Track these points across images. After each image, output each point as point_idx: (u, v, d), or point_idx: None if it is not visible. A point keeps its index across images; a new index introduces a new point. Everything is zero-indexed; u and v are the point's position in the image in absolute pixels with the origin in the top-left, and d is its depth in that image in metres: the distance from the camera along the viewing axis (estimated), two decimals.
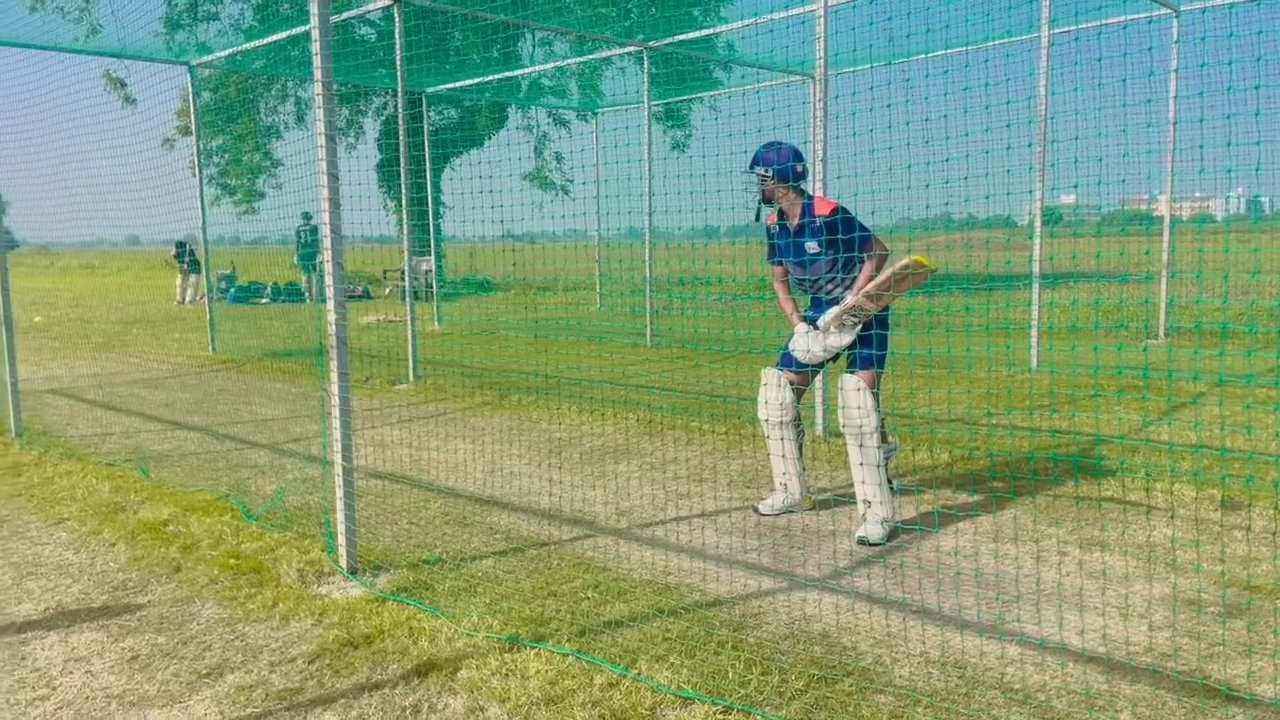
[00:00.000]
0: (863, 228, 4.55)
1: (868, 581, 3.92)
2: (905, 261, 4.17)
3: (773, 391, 4.74)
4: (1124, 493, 5.05)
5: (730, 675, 3.02)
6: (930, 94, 4.01)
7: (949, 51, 10.29)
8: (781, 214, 4.79)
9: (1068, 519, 4.66)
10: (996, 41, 10.16)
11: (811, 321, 4.76)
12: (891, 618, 3.52)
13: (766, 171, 4.65)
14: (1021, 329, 9.69)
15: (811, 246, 4.65)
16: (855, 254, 4.57)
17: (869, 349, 4.56)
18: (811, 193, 4.87)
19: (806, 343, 4.70)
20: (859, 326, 4.57)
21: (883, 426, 4.66)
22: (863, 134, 4.20)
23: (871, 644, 3.30)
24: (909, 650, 3.24)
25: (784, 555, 4.27)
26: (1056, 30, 8.88)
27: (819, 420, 6.55)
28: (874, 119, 4.11)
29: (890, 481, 4.69)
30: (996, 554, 4.18)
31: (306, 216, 19.56)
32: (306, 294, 21.00)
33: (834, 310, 4.57)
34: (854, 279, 4.66)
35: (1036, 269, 8.89)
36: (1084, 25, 9.60)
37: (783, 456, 4.79)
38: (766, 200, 4.74)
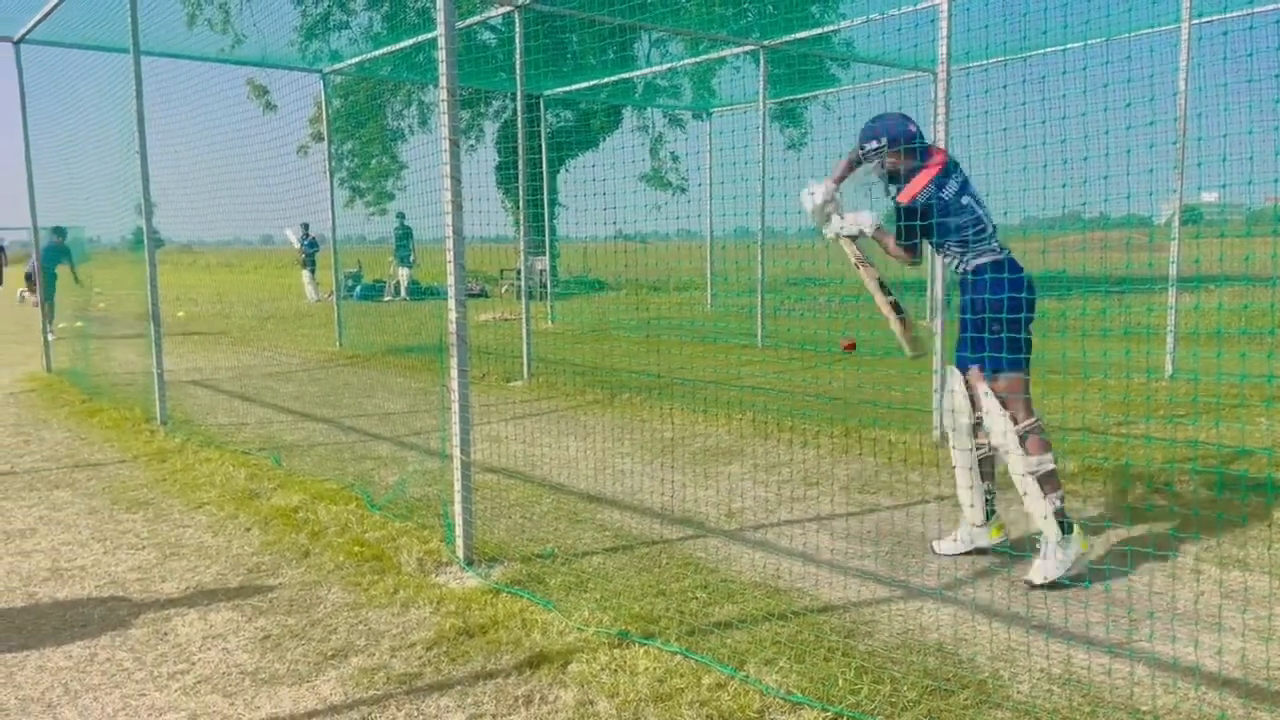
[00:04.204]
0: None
1: (989, 594, 3.80)
2: (878, 298, 4.23)
3: (956, 385, 4.09)
4: (1268, 509, 4.75)
5: (840, 682, 2.98)
6: (1068, 90, 3.84)
7: (1089, 43, 9.83)
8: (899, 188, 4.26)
9: (1205, 535, 4.40)
10: (1130, 34, 9.66)
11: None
12: (1013, 631, 3.40)
13: (881, 143, 4.18)
14: (1157, 334, 9.20)
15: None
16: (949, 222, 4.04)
17: (1002, 350, 3.88)
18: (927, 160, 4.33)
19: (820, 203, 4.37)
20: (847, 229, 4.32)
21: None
22: (995, 132, 4.03)
23: (990, 657, 3.20)
24: (1030, 666, 3.13)
25: (899, 563, 4.18)
26: (1199, 21, 8.40)
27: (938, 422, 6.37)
28: (1007, 117, 3.93)
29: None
30: (1127, 569, 3.99)
31: (400, 217, 20.39)
32: (393, 292, 21.83)
33: (850, 217, 4.31)
34: (965, 245, 4.05)
35: (1173, 271, 8.44)
36: (1230, 15, 9.04)
37: (969, 469, 4.09)
38: (891, 178, 4.25)
